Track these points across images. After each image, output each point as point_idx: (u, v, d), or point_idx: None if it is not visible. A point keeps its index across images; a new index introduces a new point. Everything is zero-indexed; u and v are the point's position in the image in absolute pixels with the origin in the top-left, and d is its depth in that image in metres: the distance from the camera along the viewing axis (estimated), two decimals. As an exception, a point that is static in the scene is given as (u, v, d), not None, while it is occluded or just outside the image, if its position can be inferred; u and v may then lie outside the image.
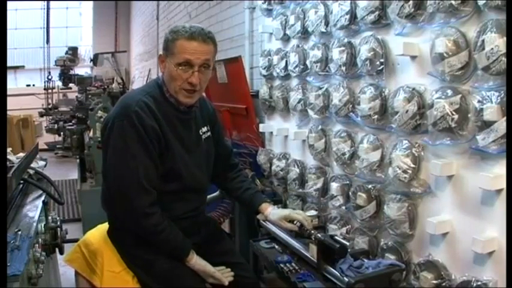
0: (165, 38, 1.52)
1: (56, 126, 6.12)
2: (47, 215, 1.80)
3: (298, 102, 2.27)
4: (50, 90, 8.03)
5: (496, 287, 1.30)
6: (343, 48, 1.87)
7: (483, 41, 1.27)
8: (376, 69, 1.71)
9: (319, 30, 2.06)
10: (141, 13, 8.59)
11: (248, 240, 2.02)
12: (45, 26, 9.28)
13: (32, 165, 2.10)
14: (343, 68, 1.88)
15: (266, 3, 2.58)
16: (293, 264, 1.70)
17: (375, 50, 1.70)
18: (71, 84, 7.67)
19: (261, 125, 2.71)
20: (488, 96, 1.28)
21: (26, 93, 8.89)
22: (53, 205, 2.60)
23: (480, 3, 1.29)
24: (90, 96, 5.27)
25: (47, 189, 1.93)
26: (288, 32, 2.36)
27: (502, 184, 1.28)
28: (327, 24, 2.02)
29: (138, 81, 8.27)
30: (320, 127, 2.12)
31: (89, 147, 3.81)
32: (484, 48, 1.27)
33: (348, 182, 1.95)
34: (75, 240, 1.77)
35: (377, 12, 1.69)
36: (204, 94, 1.84)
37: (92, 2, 10.38)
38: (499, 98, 1.25)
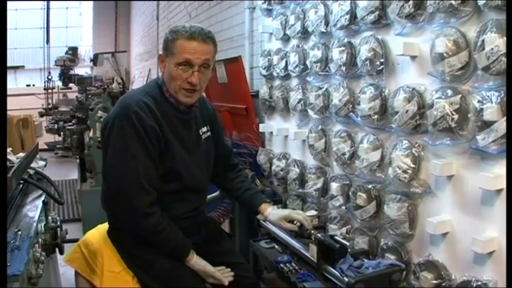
0: (165, 38, 1.52)
1: (56, 126, 6.12)
2: (47, 215, 1.80)
3: (298, 102, 2.27)
4: (50, 90, 8.03)
5: (496, 287, 1.30)
6: (343, 48, 1.87)
7: (483, 41, 1.27)
8: (376, 69, 1.71)
9: (319, 30, 2.06)
10: (141, 13, 8.59)
11: (248, 240, 2.02)
12: (45, 26, 9.28)
13: (32, 165, 2.10)
14: (343, 68, 1.88)
15: (266, 3, 2.58)
16: (293, 264, 1.70)
17: (374, 50, 1.70)
18: (71, 84, 7.67)
19: (261, 125, 2.71)
20: (488, 96, 1.28)
21: (26, 93, 8.89)
22: (53, 205, 2.60)
23: (480, 3, 1.29)
24: (90, 96, 5.27)
25: (47, 189, 1.93)
26: (288, 32, 2.36)
27: (502, 184, 1.28)
28: (327, 24, 2.02)
29: (138, 81, 8.27)
30: (320, 127, 2.12)
31: (89, 147, 3.81)
32: (484, 48, 1.27)
33: (348, 182, 1.95)
34: (75, 240, 1.77)
35: (377, 12, 1.69)
36: (204, 94, 1.84)
37: (92, 2, 10.38)
38: (499, 98, 1.25)
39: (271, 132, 2.66)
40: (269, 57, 2.57)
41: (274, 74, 2.51)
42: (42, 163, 2.39)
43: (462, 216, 1.44)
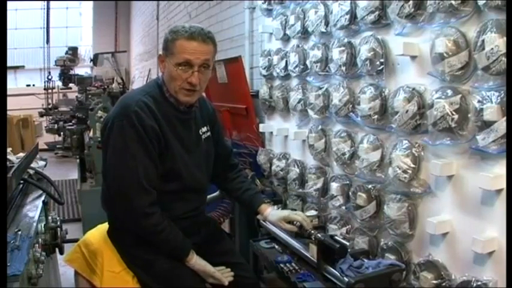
0: (165, 38, 1.52)
1: (56, 126, 6.12)
2: (47, 215, 1.80)
3: (298, 102, 2.27)
4: (50, 90, 8.03)
5: (496, 287, 1.30)
6: (343, 48, 1.87)
7: (483, 41, 1.27)
8: (376, 69, 1.71)
9: (319, 30, 2.06)
10: (141, 13, 8.59)
11: (248, 240, 2.02)
12: (45, 26, 9.28)
13: (32, 165, 2.10)
14: (343, 68, 1.88)
15: (266, 3, 2.58)
16: (293, 264, 1.70)
17: (375, 50, 1.70)
18: (71, 84, 7.67)
19: (261, 125, 2.71)
20: (488, 96, 1.28)
21: (26, 93, 8.89)
22: (53, 205, 2.60)
23: (480, 3, 1.29)
24: (90, 96, 5.27)
25: (47, 189, 1.93)
26: (288, 32, 2.36)
27: (502, 184, 1.28)
28: (327, 24, 2.02)
29: (138, 81, 8.27)
30: (320, 127, 2.12)
31: (89, 147, 3.81)
32: (484, 48, 1.27)
33: (348, 182, 1.95)
34: (75, 240, 1.77)
35: (377, 12, 1.69)
36: (204, 94, 1.84)
37: (92, 2, 10.38)
38: (499, 98, 1.25)
39: (271, 132, 2.66)
40: (269, 57, 2.57)
41: (274, 74, 2.51)
42: (42, 163, 2.39)
43: (462, 216, 1.44)
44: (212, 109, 1.78)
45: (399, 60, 1.66)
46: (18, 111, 7.55)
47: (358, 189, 1.83)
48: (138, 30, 9.01)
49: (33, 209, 1.68)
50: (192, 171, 1.60)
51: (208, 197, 2.05)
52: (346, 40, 1.89)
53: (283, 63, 2.40)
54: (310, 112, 2.14)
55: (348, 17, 1.84)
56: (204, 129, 1.69)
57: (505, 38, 1.22)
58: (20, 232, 1.35)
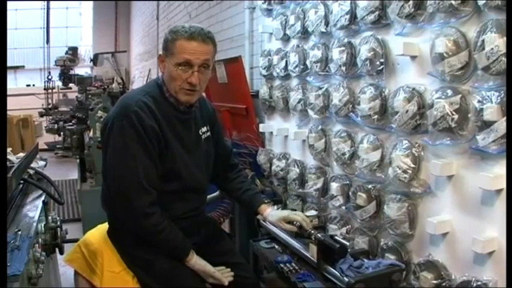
0: (165, 38, 1.52)
1: (56, 126, 6.12)
2: (47, 215, 1.80)
3: (298, 102, 2.27)
4: (50, 90, 8.03)
5: (496, 287, 1.30)
6: (343, 48, 1.87)
7: (483, 41, 1.27)
8: (376, 69, 1.71)
9: (319, 30, 2.06)
10: (141, 13, 8.59)
11: (248, 240, 2.02)
12: (45, 26, 9.28)
13: (32, 165, 2.10)
14: (343, 68, 1.88)
15: (266, 3, 2.58)
16: (293, 264, 1.70)
17: (375, 50, 1.70)
18: (71, 84, 7.67)
19: (261, 125, 2.71)
20: (488, 96, 1.28)
21: (26, 93, 8.89)
22: (53, 205, 2.60)
23: (480, 3, 1.29)
24: (90, 96, 5.27)
25: (47, 189, 1.93)
26: (288, 32, 2.36)
27: (502, 184, 1.28)
28: (327, 24, 2.02)
29: (138, 81, 8.27)
30: (320, 127, 2.12)
31: (89, 147, 3.81)
32: (484, 48, 1.27)
33: (348, 182, 1.95)
34: (75, 240, 1.77)
35: (377, 12, 1.69)
36: (204, 94, 1.84)
37: (92, 2, 10.38)
38: (499, 98, 1.25)
39: (271, 132, 2.66)
40: (269, 57, 2.57)
41: (274, 74, 2.51)
42: (42, 163, 2.39)
43: (462, 216, 1.44)
44: (212, 109, 1.78)
45: (399, 60, 1.66)
46: (18, 111, 7.55)
47: (358, 189, 1.83)
48: (138, 30, 9.01)
49: (33, 209, 1.67)
50: (192, 171, 1.60)
51: (208, 197, 2.05)
52: (346, 40, 1.89)
53: (283, 63, 2.40)
54: (310, 112, 2.14)
55: (348, 17, 1.84)
56: (204, 129, 1.69)
57: (505, 38, 1.22)
58: (20, 232, 1.35)
